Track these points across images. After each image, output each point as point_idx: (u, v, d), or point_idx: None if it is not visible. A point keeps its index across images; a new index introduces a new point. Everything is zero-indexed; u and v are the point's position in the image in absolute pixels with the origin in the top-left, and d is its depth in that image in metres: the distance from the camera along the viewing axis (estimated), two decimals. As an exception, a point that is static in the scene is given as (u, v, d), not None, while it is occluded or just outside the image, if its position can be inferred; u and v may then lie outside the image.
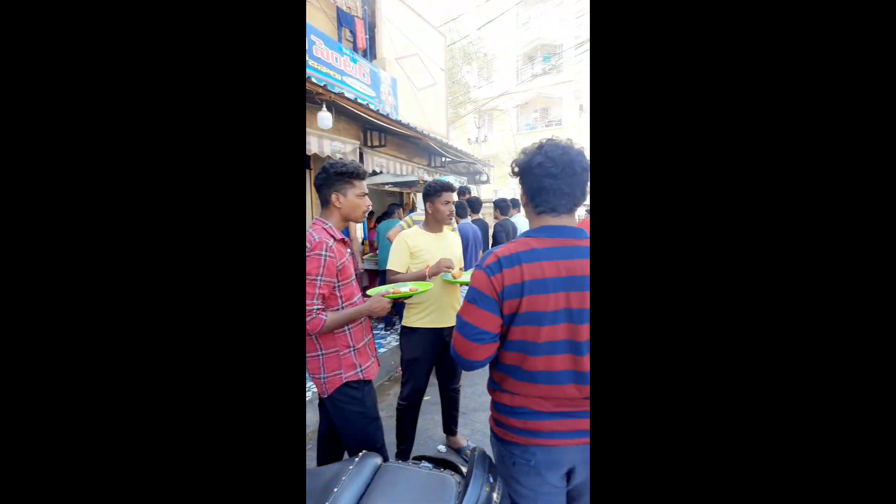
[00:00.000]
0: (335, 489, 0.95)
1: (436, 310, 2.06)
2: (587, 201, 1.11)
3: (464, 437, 2.46)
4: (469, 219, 3.94)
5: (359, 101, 4.43)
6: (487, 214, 5.60)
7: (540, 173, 0.98)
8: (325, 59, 4.76)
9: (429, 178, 3.78)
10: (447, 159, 7.49)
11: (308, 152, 3.99)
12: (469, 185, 6.34)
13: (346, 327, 1.47)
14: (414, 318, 2.08)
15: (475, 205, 4.35)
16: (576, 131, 19.28)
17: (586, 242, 0.99)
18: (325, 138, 4.21)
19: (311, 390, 2.89)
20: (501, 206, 4.66)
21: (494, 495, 1.00)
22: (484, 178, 9.11)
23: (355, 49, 5.69)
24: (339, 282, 1.44)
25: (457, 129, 21.40)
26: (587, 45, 19.07)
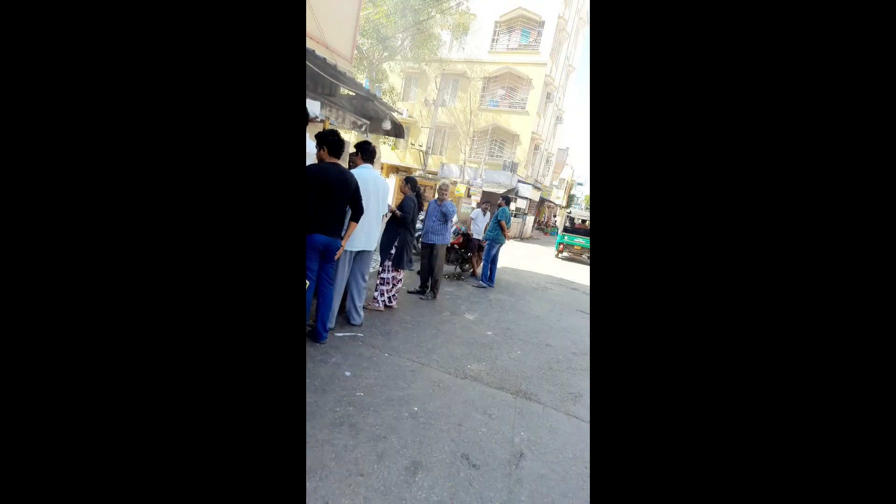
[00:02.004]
0: None
1: None
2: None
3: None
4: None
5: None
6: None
7: None
8: None
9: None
10: (346, 91, 6.00)
11: None
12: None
13: None
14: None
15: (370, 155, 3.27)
16: (537, 117, 18.30)
17: None
18: None
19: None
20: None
21: None
22: (388, 126, 7.07)
23: None
24: None
25: (418, 86, 19.83)
26: (566, 27, 17.69)
